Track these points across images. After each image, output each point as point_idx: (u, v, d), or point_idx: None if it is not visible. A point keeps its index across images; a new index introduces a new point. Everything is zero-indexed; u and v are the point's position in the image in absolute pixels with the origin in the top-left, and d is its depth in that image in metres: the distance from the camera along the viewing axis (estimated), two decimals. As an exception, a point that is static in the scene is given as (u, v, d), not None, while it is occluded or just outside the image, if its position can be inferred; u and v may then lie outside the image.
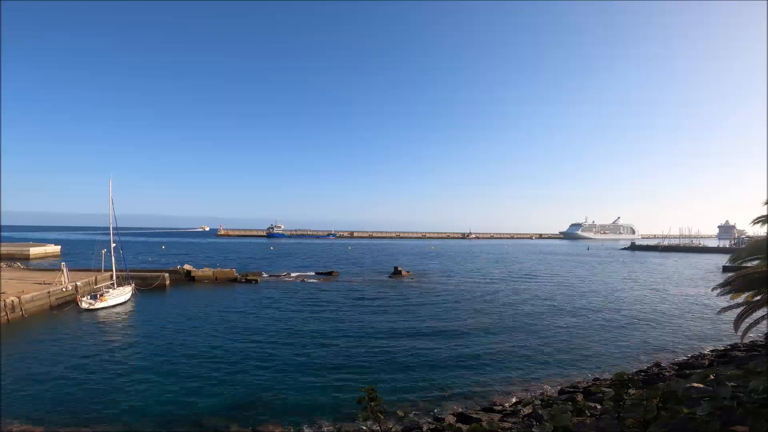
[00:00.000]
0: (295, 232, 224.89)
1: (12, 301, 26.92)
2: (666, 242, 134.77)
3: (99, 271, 38.84)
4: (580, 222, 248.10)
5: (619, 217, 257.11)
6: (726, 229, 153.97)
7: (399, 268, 54.89)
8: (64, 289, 32.45)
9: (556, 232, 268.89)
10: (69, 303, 31.28)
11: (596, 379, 17.79)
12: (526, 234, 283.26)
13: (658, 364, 19.37)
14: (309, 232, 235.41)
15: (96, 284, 36.15)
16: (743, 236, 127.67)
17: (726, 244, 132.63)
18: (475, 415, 13.44)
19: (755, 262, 16.98)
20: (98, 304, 30.53)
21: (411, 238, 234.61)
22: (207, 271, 47.18)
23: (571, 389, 16.11)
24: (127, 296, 34.10)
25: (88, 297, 31.42)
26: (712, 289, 18.72)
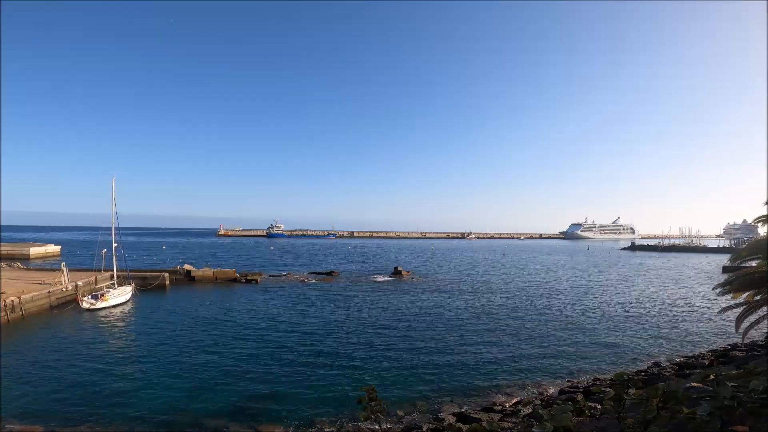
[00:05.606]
0: (295, 232, 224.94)
1: (12, 301, 26.93)
2: (666, 242, 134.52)
3: (99, 271, 38.85)
4: (580, 222, 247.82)
5: (619, 217, 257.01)
6: (748, 229, 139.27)
7: (399, 268, 54.87)
8: (64, 289, 32.46)
9: (556, 232, 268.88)
10: (69, 303, 31.29)
11: (596, 379, 17.80)
12: (526, 234, 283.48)
13: (658, 364, 19.37)
14: (309, 232, 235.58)
15: (96, 284, 36.16)
16: (743, 236, 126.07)
17: (727, 243, 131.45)
18: (475, 415, 13.44)
19: (755, 262, 17.01)
20: (99, 304, 30.54)
21: (411, 238, 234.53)
22: (207, 271, 47.16)
23: (571, 389, 16.12)
24: (128, 296, 34.12)
25: (89, 297, 31.41)
26: (713, 289, 18.76)
